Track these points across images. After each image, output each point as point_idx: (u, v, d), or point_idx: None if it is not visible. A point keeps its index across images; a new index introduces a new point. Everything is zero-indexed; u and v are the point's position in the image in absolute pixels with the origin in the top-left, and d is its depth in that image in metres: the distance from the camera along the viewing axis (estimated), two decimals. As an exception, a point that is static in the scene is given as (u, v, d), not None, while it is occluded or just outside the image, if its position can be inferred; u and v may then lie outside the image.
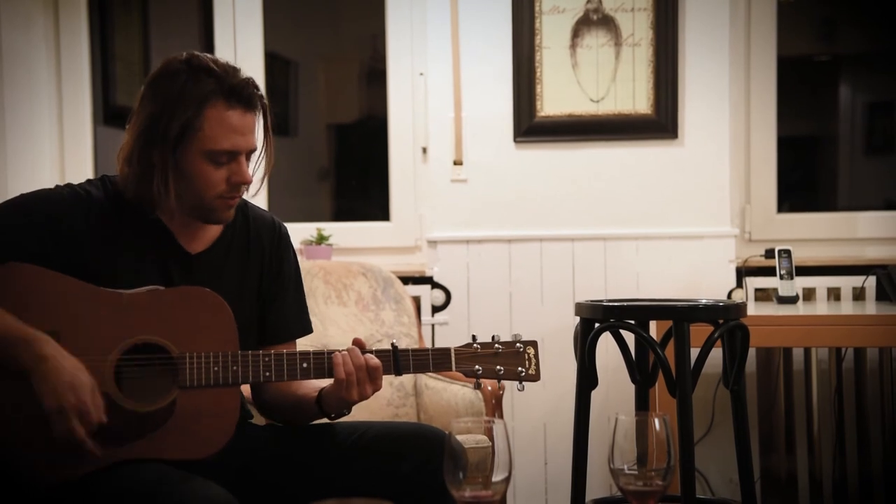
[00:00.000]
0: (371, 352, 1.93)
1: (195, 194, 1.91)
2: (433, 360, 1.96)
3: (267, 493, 1.95)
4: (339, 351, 1.92)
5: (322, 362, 1.92)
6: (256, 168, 1.99)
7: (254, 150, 1.95)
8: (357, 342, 1.95)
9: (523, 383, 1.98)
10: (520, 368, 1.97)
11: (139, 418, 1.83)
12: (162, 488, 1.73)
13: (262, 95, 1.95)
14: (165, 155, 1.87)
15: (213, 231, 2.02)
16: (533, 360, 1.98)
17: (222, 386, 1.87)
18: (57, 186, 1.97)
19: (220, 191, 1.91)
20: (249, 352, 1.90)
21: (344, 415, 2.00)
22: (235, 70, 1.92)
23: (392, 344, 1.95)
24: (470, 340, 1.98)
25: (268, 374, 1.89)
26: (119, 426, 1.82)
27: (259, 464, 1.97)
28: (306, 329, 2.15)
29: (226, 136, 1.88)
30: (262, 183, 2.03)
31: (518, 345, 1.99)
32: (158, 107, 1.87)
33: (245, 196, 2.02)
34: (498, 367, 1.97)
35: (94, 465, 1.81)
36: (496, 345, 1.98)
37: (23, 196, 1.94)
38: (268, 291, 2.08)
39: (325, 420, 2.02)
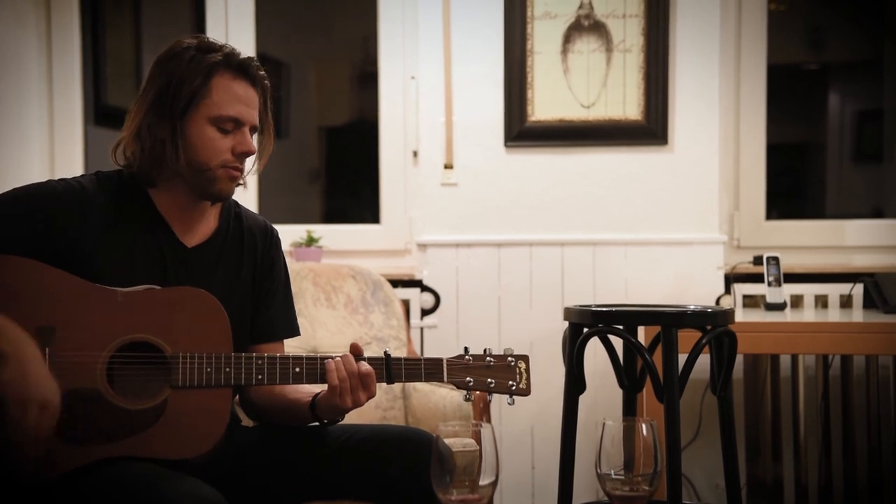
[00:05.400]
0: (365, 359, 1.93)
1: (201, 162, 1.94)
2: (425, 370, 1.96)
3: (255, 494, 1.95)
4: (333, 357, 1.92)
5: (315, 367, 1.92)
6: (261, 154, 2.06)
7: (255, 126, 2.00)
8: (354, 348, 1.95)
9: (513, 397, 1.98)
10: (511, 382, 1.97)
11: (130, 416, 1.84)
12: (151, 487, 1.73)
13: (265, 76, 2.01)
14: (174, 124, 1.92)
15: (209, 226, 2.05)
16: (524, 375, 1.98)
17: (214, 387, 1.87)
18: (50, 180, 1.97)
19: (224, 159, 1.95)
20: (242, 354, 1.91)
21: (337, 421, 2.01)
22: (240, 53, 1.99)
23: (385, 352, 1.95)
24: (461, 352, 1.98)
25: (260, 377, 1.90)
26: (109, 423, 1.82)
27: (248, 465, 1.97)
28: (293, 331, 2.16)
29: (231, 103, 1.94)
30: (254, 164, 2.08)
31: (510, 359, 1.98)
32: (167, 80, 1.93)
33: (242, 182, 2.05)
34: (489, 379, 1.96)
35: (82, 461, 1.80)
36: (488, 357, 1.98)
37: (17, 189, 1.94)
38: (258, 291, 2.09)
39: (315, 423, 2.02)
